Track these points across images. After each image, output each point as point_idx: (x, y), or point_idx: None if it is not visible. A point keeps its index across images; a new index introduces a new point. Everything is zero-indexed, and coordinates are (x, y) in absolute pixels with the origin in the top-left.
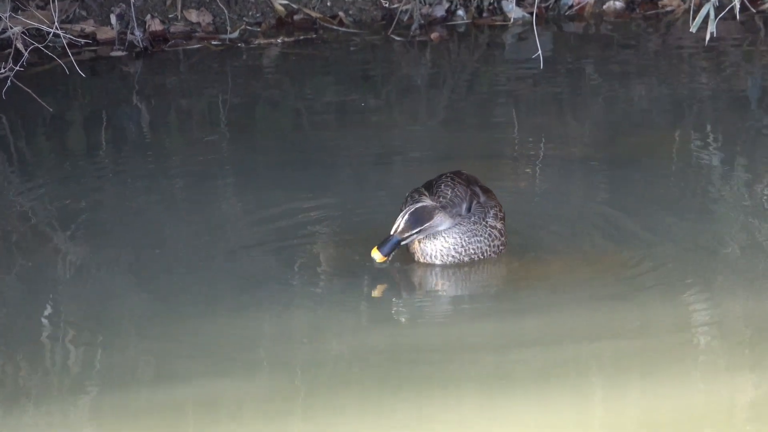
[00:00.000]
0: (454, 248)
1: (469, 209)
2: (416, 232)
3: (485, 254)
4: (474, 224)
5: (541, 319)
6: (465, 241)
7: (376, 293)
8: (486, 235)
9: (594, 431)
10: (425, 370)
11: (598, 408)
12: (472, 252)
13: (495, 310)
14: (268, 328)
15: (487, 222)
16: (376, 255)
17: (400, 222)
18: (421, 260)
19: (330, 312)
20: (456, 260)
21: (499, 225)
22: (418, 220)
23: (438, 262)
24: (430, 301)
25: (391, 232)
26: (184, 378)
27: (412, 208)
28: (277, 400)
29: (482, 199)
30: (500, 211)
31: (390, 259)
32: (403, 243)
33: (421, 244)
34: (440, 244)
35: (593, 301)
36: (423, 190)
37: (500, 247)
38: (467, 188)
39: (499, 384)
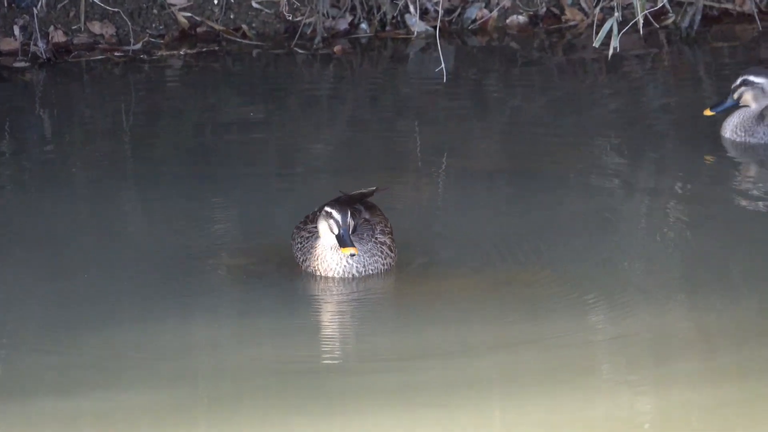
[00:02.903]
0: (356, 267)
1: (355, 228)
2: (350, 218)
3: (381, 271)
4: (369, 242)
5: (441, 333)
6: (366, 260)
7: (276, 305)
8: (381, 254)
9: None
10: (326, 382)
11: (497, 421)
12: (372, 269)
13: (396, 323)
14: (169, 339)
15: (377, 238)
16: (347, 251)
17: (338, 218)
18: (322, 274)
19: (231, 323)
20: (355, 276)
21: (387, 240)
22: (342, 208)
23: (338, 276)
24: (331, 313)
25: (335, 231)
26: (84, 388)
27: (331, 207)
28: (178, 412)
29: (366, 215)
30: (386, 225)
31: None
32: (351, 230)
33: (323, 259)
34: (343, 260)
35: (494, 315)
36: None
37: (391, 264)
38: (347, 208)
39: (400, 396)
